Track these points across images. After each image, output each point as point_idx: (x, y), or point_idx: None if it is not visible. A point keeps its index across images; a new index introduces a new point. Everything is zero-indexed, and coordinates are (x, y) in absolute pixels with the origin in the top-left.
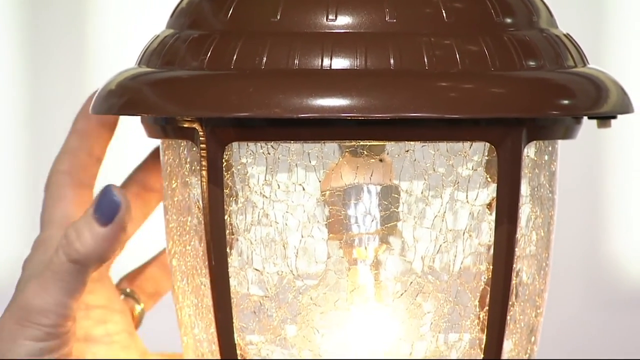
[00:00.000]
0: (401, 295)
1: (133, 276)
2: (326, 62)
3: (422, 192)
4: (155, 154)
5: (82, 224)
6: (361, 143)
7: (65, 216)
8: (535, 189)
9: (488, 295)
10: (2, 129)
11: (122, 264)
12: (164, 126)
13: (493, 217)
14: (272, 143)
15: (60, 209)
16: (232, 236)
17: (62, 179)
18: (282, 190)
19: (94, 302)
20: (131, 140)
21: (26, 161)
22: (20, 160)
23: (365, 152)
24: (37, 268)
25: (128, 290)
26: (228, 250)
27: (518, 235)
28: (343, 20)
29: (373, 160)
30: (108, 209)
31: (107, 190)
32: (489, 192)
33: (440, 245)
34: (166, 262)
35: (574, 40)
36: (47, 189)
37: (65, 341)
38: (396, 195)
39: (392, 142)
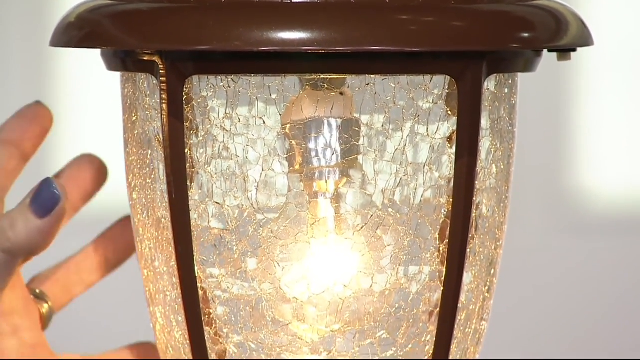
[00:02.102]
0: (361, 228)
1: (44, 277)
2: None
3: (382, 126)
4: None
5: (16, 213)
6: (322, 76)
7: None
8: (495, 122)
9: (448, 228)
10: None
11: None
12: (123, 59)
13: (453, 150)
14: (232, 76)
15: None
16: (193, 169)
17: None
18: (242, 123)
19: (7, 300)
20: (91, 73)
21: None
22: None
23: (326, 86)
24: None
25: (38, 290)
26: (188, 183)
27: (478, 168)
28: None
29: (334, 93)
30: (47, 201)
31: (47, 182)
32: (450, 125)
33: (401, 179)
34: (78, 265)
35: None
36: None
37: None
38: (357, 129)
39: (353, 76)
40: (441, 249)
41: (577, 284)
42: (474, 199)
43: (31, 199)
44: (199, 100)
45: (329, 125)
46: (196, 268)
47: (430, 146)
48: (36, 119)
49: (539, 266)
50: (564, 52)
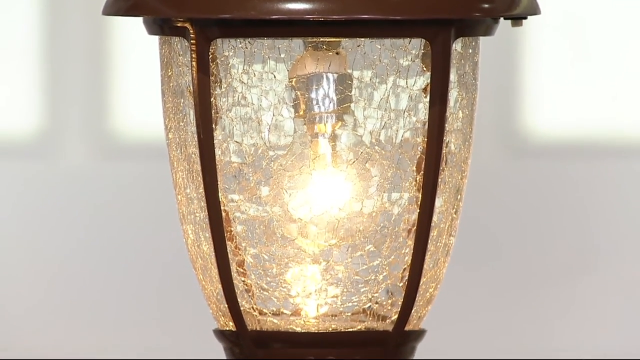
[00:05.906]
0: (353, 162)
1: None
2: None
3: (370, 79)
4: None
5: None
6: (321, 39)
7: None
8: (462, 77)
9: (423, 162)
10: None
11: None
12: (161, 25)
13: (427, 99)
14: (249, 39)
15: None
16: (217, 114)
17: None
18: (257, 77)
19: None
20: (132, 38)
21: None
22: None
23: (325, 47)
24: None
25: None
26: (213, 126)
27: (447, 113)
28: None
29: (331, 53)
30: None
31: None
32: (425, 79)
33: (385, 122)
34: None
35: None
36: None
37: None
38: (349, 82)
39: (347, 39)
40: (418, 179)
41: (524, 200)
42: (444, 138)
43: None
44: (222, 59)
45: (327, 79)
46: (220, 194)
47: (409, 96)
48: None
49: (494, 188)
50: (517, 19)
